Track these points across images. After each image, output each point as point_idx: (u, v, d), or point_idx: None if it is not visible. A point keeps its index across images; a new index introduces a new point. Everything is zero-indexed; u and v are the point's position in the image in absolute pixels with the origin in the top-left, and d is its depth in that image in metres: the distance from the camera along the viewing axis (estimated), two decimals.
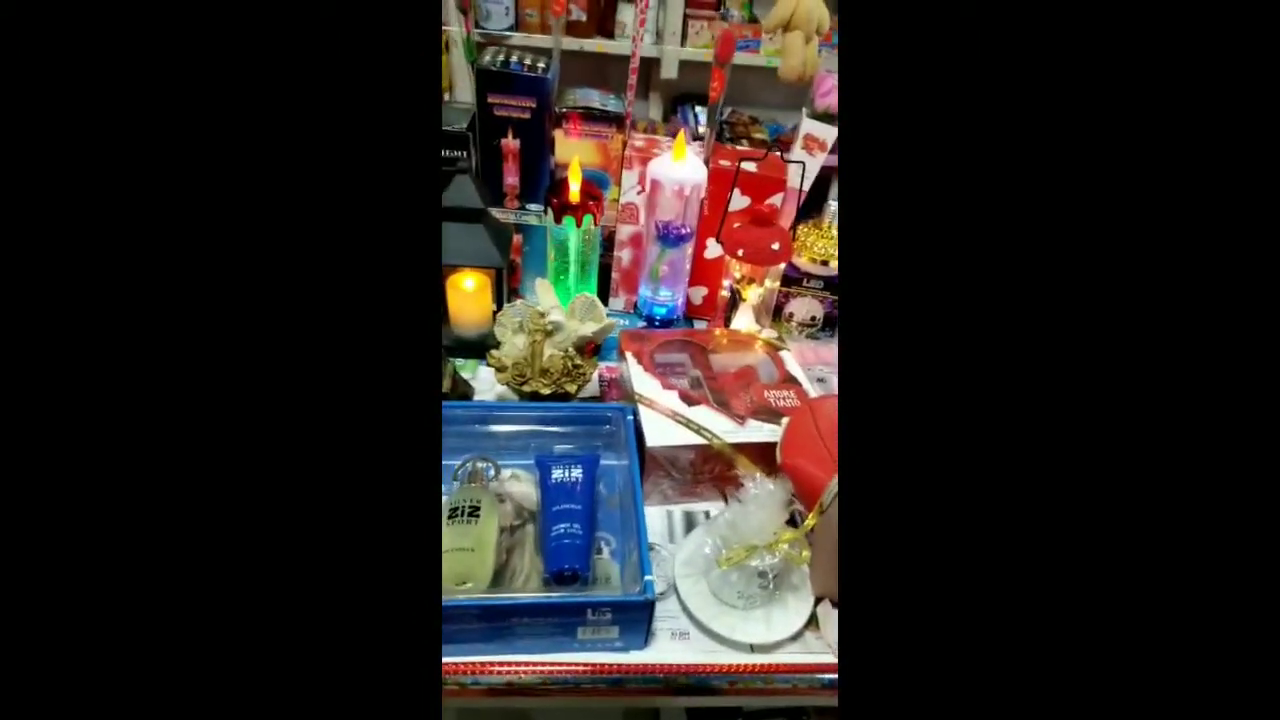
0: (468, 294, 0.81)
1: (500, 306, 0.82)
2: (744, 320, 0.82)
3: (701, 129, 1.96)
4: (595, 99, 0.84)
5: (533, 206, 0.86)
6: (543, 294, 0.71)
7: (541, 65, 0.80)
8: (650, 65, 1.82)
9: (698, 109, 1.98)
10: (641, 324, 0.86)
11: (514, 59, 0.80)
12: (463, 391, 0.74)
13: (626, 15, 1.71)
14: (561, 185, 0.78)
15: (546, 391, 0.68)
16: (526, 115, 0.80)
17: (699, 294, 0.90)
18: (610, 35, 1.72)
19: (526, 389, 0.69)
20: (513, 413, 0.69)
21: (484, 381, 0.79)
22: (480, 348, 0.83)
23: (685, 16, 1.70)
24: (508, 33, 1.65)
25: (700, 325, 0.91)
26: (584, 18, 1.69)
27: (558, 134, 0.84)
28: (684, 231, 0.78)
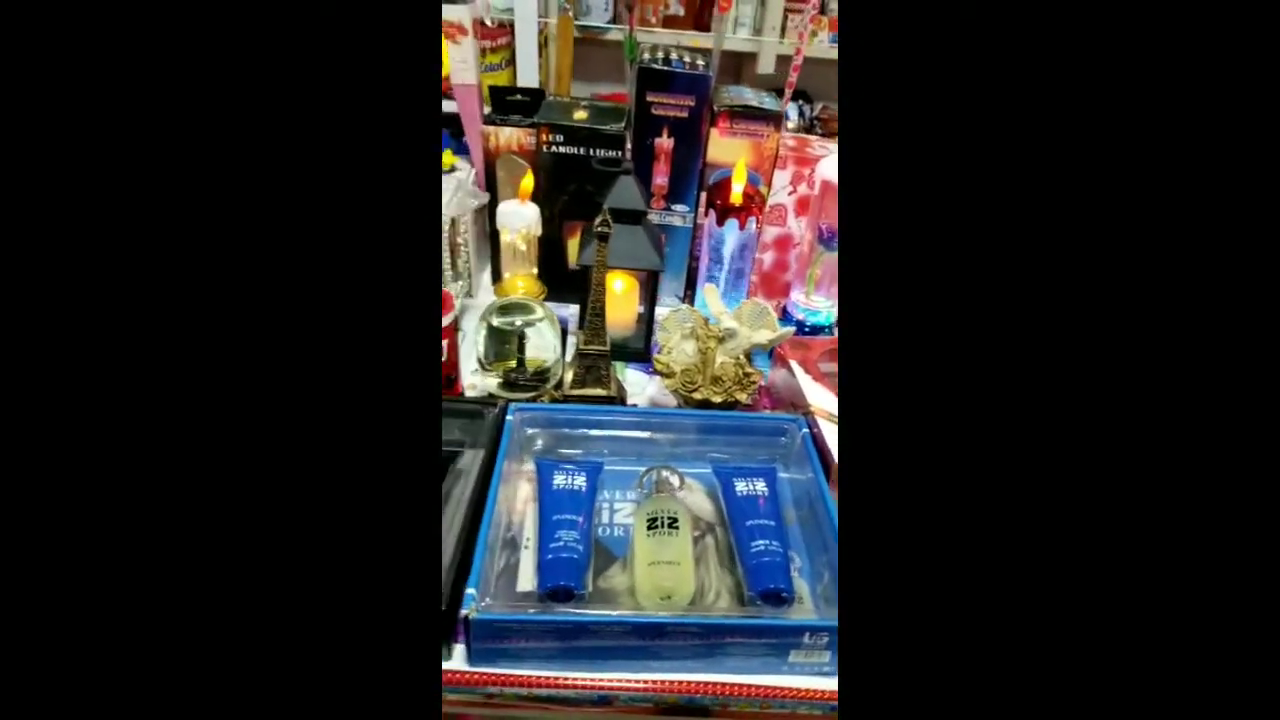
0: (615, 296, 0.80)
1: (651, 309, 0.81)
2: None
3: (790, 124, 1.92)
4: (749, 96, 0.82)
5: (678, 207, 0.85)
6: (711, 300, 0.70)
7: (701, 63, 0.79)
8: (744, 59, 1.79)
9: (789, 104, 1.94)
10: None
11: (674, 57, 0.79)
12: (621, 396, 0.73)
13: None
14: (723, 186, 0.76)
15: (718, 400, 0.67)
16: (684, 114, 0.78)
17: None
18: (706, 29, 1.69)
19: (697, 396, 0.67)
20: (678, 419, 0.68)
21: (633, 385, 0.78)
22: (624, 351, 0.82)
23: (785, 11, 1.67)
24: (607, 26, 1.64)
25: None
26: (681, 12, 1.67)
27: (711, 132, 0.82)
28: None
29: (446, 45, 0.76)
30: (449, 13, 0.74)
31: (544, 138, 0.79)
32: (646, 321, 0.79)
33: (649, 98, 0.78)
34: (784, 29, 1.69)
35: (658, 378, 0.80)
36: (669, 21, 1.66)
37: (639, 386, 0.78)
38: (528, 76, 1.50)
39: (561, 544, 0.53)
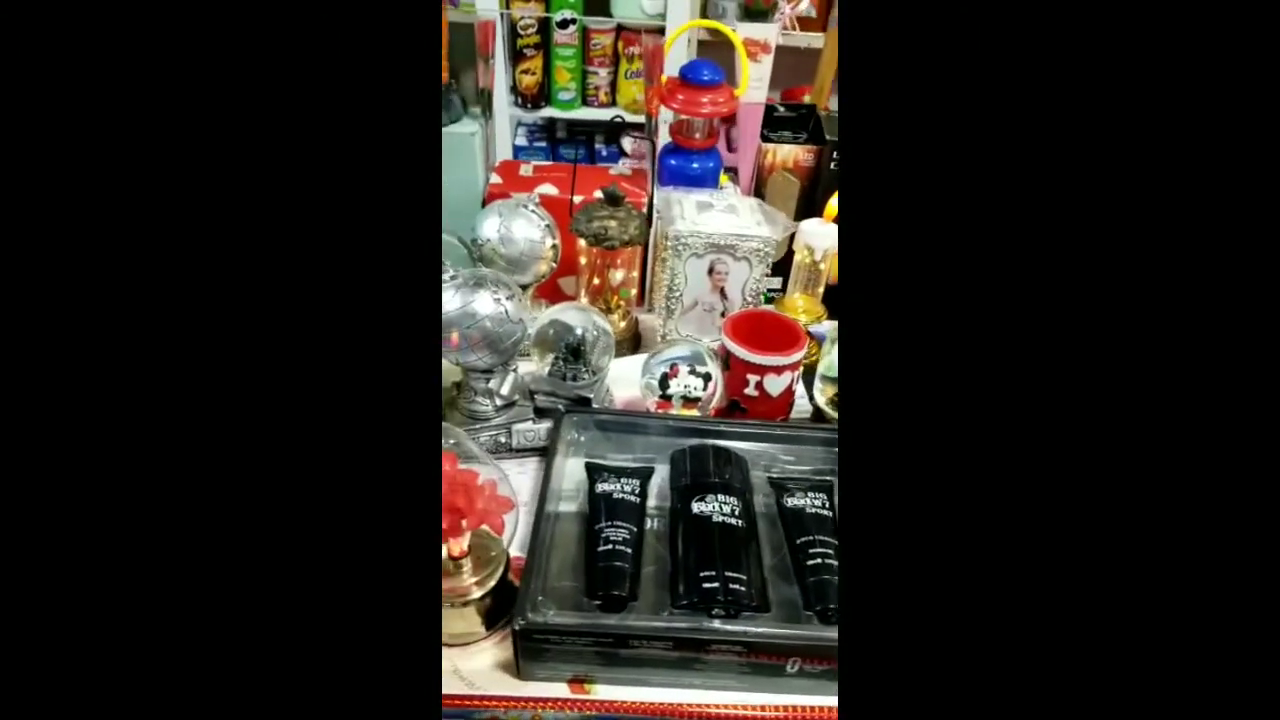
0: None
1: None
2: None
3: None
4: None
5: None
6: None
7: None
8: None
9: None
10: None
11: None
12: None
13: None
14: None
15: None
16: None
17: None
18: None
19: None
20: None
21: None
22: None
23: None
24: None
25: None
26: (814, 14, 1.66)
27: None
28: None
29: (748, 63, 0.75)
30: (755, 31, 0.74)
31: (827, 156, 0.79)
32: None
33: None
34: None
35: None
36: (803, 23, 1.65)
37: None
38: None
39: None
